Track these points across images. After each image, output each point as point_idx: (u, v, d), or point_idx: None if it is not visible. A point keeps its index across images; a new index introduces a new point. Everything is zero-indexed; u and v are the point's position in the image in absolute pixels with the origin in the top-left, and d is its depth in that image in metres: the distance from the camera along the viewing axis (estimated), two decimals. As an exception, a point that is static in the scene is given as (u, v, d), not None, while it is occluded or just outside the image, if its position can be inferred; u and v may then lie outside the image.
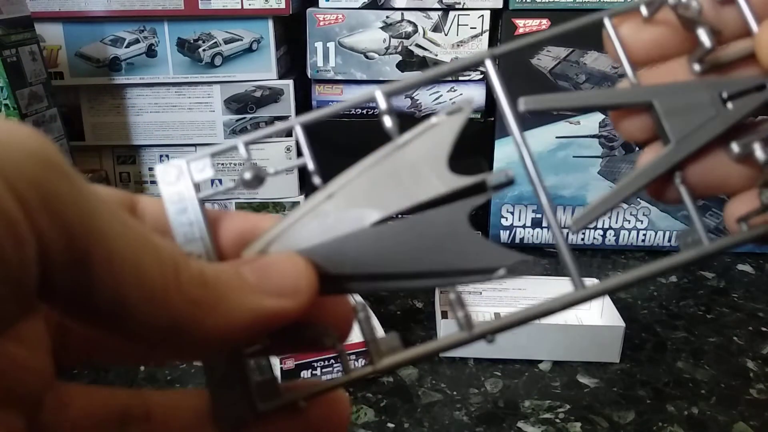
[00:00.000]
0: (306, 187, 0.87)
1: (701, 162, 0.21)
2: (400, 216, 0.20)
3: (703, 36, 0.20)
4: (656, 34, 0.21)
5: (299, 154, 0.97)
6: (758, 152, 0.20)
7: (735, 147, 0.20)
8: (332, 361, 0.55)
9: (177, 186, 0.20)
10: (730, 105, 0.20)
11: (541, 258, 0.80)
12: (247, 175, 0.20)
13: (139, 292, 0.16)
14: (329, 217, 0.20)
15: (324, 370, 0.55)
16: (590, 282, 0.20)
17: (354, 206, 0.20)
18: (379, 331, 0.20)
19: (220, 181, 0.83)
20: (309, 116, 0.21)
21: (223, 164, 0.86)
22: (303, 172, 0.81)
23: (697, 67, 0.21)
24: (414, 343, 0.21)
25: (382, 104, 0.20)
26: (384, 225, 0.20)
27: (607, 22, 0.21)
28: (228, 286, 0.18)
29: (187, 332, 0.17)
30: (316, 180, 0.20)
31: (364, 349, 0.20)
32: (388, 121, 0.20)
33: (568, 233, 0.20)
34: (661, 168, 0.21)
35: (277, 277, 0.18)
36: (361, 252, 0.19)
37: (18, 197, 0.14)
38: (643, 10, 0.21)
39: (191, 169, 0.20)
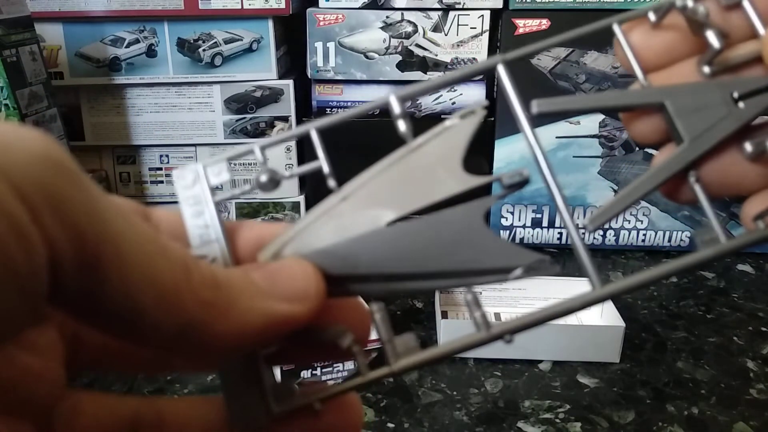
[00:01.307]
0: (306, 187, 0.87)
1: (716, 162, 0.21)
2: (415, 216, 0.20)
3: (712, 38, 0.20)
4: (666, 39, 0.22)
5: (299, 155, 0.96)
6: None
7: (749, 146, 0.20)
8: (332, 361, 0.55)
9: (193, 189, 0.20)
10: (741, 104, 0.20)
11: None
12: (263, 178, 0.20)
13: (150, 294, 0.15)
14: (344, 218, 0.20)
15: (324, 370, 0.55)
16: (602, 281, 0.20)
17: (369, 207, 0.20)
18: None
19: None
20: (324, 121, 0.21)
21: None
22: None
23: (706, 69, 0.21)
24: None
25: (396, 109, 0.21)
26: (399, 224, 0.20)
27: (617, 28, 0.22)
28: (240, 288, 0.17)
29: (198, 335, 0.16)
30: (332, 183, 0.20)
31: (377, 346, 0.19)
32: (402, 126, 0.20)
33: (584, 232, 0.20)
34: (675, 166, 0.21)
35: (286, 283, 0.18)
36: (376, 251, 0.19)
37: (25, 201, 0.13)
38: (651, 16, 0.21)
39: (208, 173, 0.20)
